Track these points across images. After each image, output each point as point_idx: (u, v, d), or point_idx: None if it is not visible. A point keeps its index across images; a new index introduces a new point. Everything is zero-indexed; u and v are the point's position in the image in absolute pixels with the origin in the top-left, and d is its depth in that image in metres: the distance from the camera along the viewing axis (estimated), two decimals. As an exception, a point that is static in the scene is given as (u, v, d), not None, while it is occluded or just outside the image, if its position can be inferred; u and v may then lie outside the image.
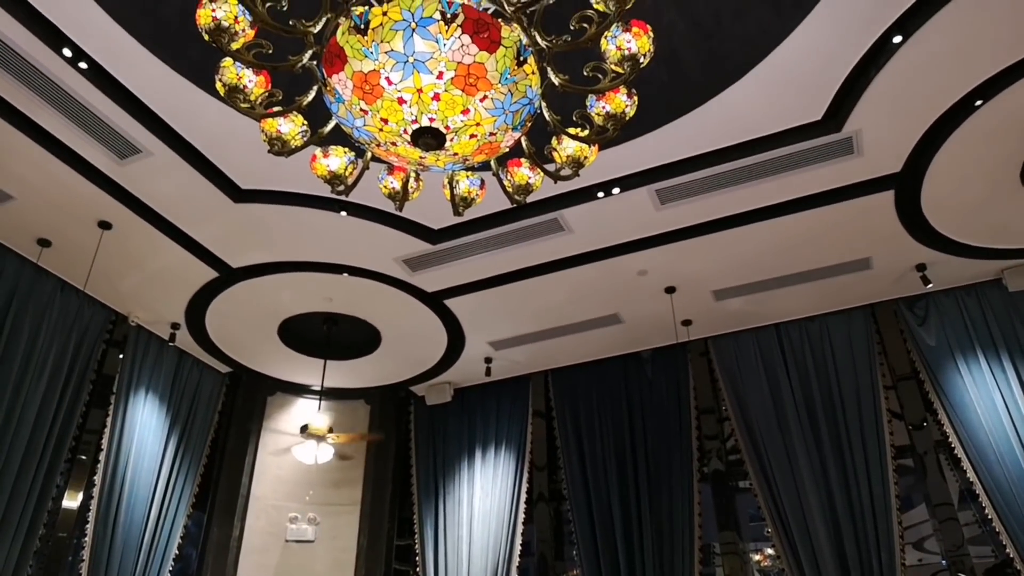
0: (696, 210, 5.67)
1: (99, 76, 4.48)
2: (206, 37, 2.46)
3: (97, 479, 6.46)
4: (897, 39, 4.20)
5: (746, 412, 6.94)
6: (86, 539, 6.27)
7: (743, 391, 7.04)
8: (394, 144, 2.62)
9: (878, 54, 4.32)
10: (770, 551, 7.76)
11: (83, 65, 4.38)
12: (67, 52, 4.29)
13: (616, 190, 5.42)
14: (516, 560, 7.28)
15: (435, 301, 6.89)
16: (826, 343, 6.83)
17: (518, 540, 7.37)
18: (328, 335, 7.31)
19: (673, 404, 7.33)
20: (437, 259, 6.28)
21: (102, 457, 6.56)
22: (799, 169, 5.22)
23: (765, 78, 4.51)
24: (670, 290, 6.65)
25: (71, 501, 6.36)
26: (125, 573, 6.42)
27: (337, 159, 3.13)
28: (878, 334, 6.81)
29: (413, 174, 3.27)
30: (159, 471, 7.00)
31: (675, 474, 7.00)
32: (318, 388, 7.89)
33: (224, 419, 8.00)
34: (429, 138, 2.55)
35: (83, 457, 6.52)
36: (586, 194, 5.48)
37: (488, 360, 7.88)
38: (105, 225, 5.78)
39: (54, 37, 4.21)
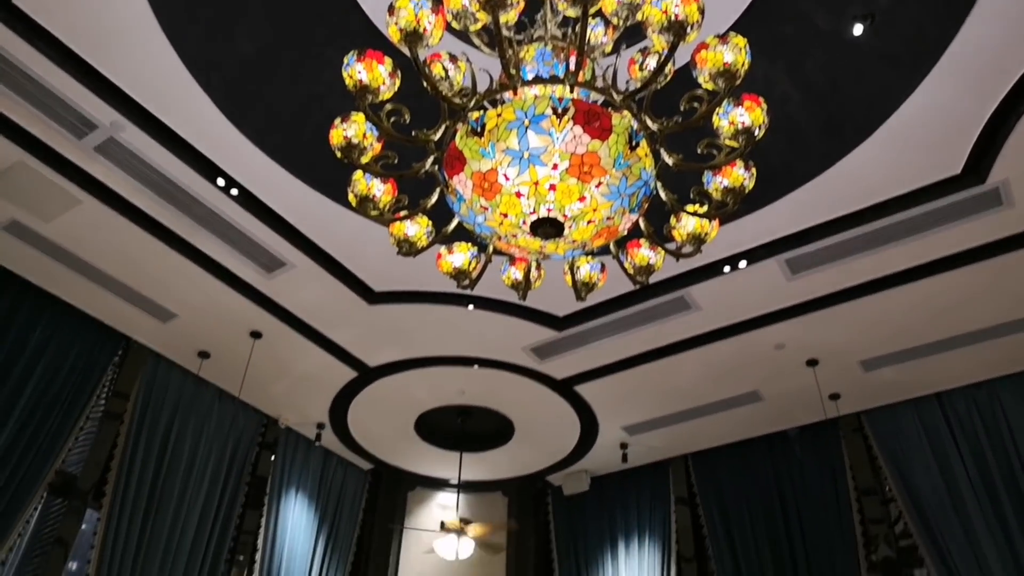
0: (832, 278, 5.41)
1: (247, 200, 4.94)
2: (339, 154, 2.66)
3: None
4: (1036, 80, 3.94)
5: (914, 492, 6.32)
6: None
7: (908, 469, 6.43)
8: (514, 236, 2.70)
9: (1016, 99, 4.06)
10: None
11: (234, 192, 4.85)
12: (220, 181, 4.77)
13: (743, 263, 5.28)
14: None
15: (565, 388, 6.85)
16: (998, 410, 6.17)
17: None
18: (462, 428, 7.40)
19: (829, 486, 6.80)
20: (564, 346, 6.29)
21: (258, 557, 6.83)
22: (942, 227, 4.90)
23: (891, 138, 4.33)
24: (812, 363, 6.29)
25: (232, 605, 6.63)
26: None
27: (461, 255, 3.24)
28: (1059, 397, 6.08)
29: (534, 263, 3.33)
30: (310, 570, 7.19)
31: (839, 563, 6.43)
32: (455, 482, 7.93)
33: (368, 516, 8.17)
34: (548, 228, 2.60)
35: (241, 557, 6.80)
36: (712, 270, 5.37)
37: (624, 446, 7.68)
38: (256, 335, 6.22)
39: (209, 169, 4.70)
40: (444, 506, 8.16)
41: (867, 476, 6.74)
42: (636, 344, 6.24)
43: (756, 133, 2.54)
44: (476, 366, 6.63)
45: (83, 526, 5.89)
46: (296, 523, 7.25)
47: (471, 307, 5.90)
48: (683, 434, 7.45)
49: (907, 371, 6.31)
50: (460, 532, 6.92)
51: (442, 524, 7.04)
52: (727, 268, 5.33)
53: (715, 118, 2.57)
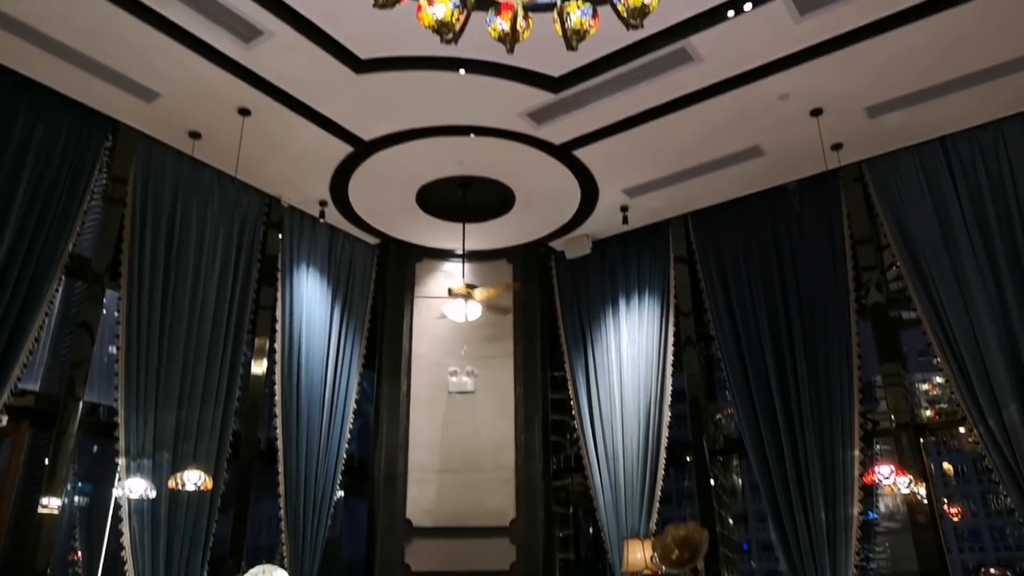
0: (842, 17, 5.10)
1: (211, -41, 4.56)
2: None
3: (277, 347, 7.16)
4: None
5: (909, 238, 6.45)
6: (276, 398, 7.04)
7: (905, 216, 6.51)
8: (494, -25, 2.50)
9: None
10: (939, 379, 7.45)
11: (195, -50, 4.46)
12: (178, -61, 4.37)
13: (748, 6, 4.95)
14: (668, 400, 7.42)
15: (564, 153, 6.78)
16: (1002, 153, 6.10)
17: (668, 382, 7.48)
18: (463, 199, 7.45)
19: (825, 236, 6.94)
20: (562, 108, 6.12)
21: (278, 327, 7.23)
22: (965, -50, 4.51)
23: None
24: (816, 112, 6.13)
25: (258, 368, 7.12)
26: (313, 427, 7.20)
27: (442, 6, 3.05)
28: (1065, 137, 5.98)
29: (520, 10, 3.13)
30: (329, 338, 7.64)
31: (830, 309, 6.73)
32: (460, 252, 8.14)
33: (379, 288, 8.51)
34: (529, -38, 2.40)
35: (262, 329, 7.20)
36: (714, 15, 5.06)
37: (624, 208, 7.75)
38: (244, 112, 6.07)
39: (164, -75, 4.29)
40: (451, 275, 8.45)
41: (864, 225, 6.85)
42: (635, 103, 6.06)
43: None
44: (472, 135, 6.51)
45: (114, 314, 6.16)
46: (311, 298, 7.58)
47: (463, 72, 5.67)
48: (683, 194, 7.48)
49: (913, 115, 6.16)
50: (467, 296, 7.23)
51: (450, 290, 7.32)
52: (731, 12, 5.01)
53: None
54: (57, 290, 5.65)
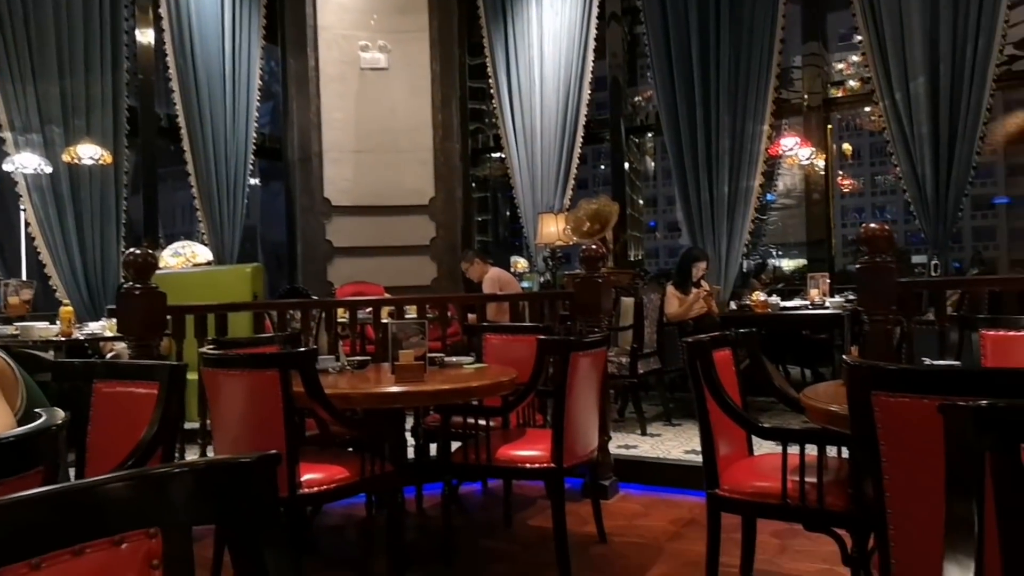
0: None
1: None
2: None
3: (163, 12, 6.40)
4: None
5: None
6: (170, 71, 6.50)
7: None
8: None
9: None
10: (855, 58, 7.48)
11: None
12: None
13: None
14: (588, 77, 7.23)
15: None
16: None
17: (589, 58, 7.21)
18: None
19: None
20: None
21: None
22: None
23: None
24: None
25: (144, 37, 6.46)
26: (216, 102, 6.77)
27: None
28: None
29: None
30: (221, 3, 6.87)
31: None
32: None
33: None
34: None
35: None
36: None
37: None
38: None
39: None
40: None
41: None
42: None
43: None
44: None
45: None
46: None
47: None
48: None
49: None
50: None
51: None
52: None
53: None
54: None
